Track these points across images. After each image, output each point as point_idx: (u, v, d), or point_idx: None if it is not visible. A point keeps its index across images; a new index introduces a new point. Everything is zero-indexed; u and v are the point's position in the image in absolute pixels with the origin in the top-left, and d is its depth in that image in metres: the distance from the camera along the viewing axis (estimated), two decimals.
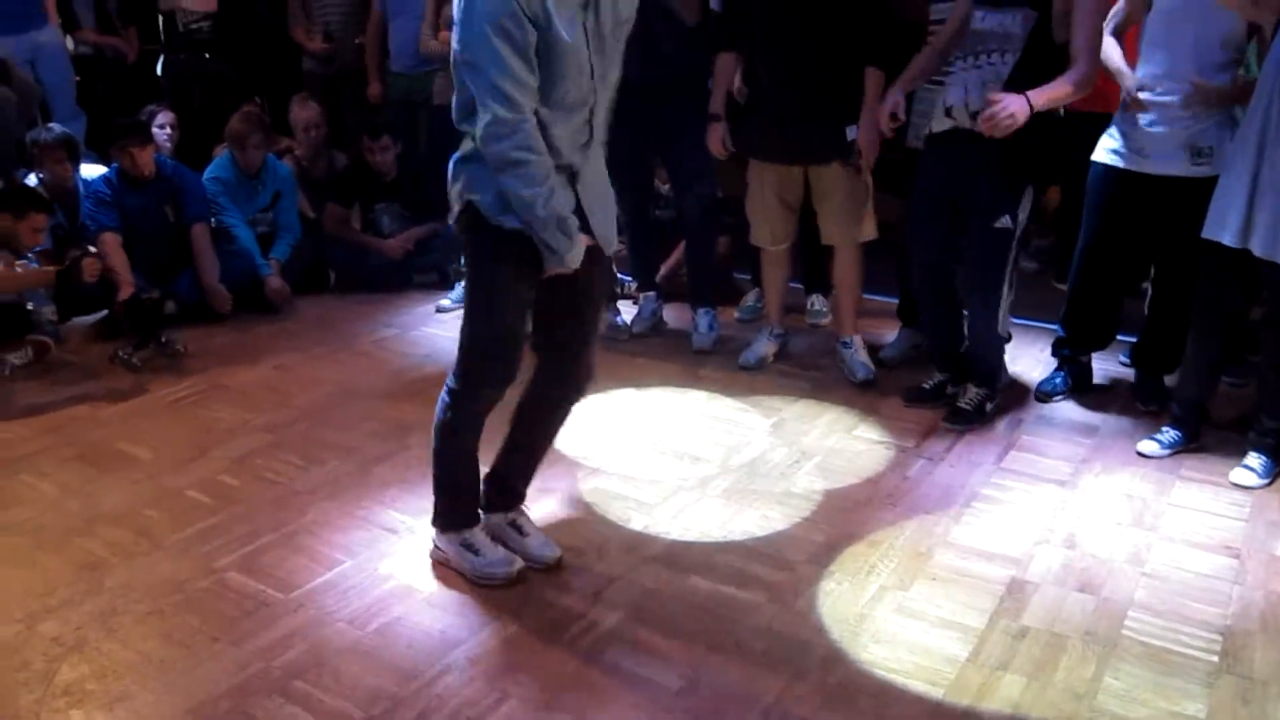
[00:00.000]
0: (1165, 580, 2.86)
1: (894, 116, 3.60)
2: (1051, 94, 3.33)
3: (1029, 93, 3.31)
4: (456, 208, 2.61)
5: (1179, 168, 3.52)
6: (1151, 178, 3.59)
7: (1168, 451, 3.54)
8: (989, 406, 3.81)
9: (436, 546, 2.93)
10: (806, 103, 3.87)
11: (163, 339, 4.48)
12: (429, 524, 2.94)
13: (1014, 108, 3.28)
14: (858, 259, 4.14)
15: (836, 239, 4.11)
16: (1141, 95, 3.54)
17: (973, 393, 3.81)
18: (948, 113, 3.56)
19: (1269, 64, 3.17)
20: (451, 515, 2.89)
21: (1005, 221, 3.53)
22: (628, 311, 4.82)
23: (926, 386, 3.98)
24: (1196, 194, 3.39)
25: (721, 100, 4.14)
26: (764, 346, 4.36)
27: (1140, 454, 3.55)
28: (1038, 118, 3.32)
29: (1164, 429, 3.60)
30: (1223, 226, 3.26)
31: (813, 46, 3.81)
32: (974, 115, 3.45)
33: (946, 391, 3.94)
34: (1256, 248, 3.20)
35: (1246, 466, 3.39)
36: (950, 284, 3.79)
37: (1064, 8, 3.35)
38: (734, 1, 4.06)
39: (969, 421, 3.76)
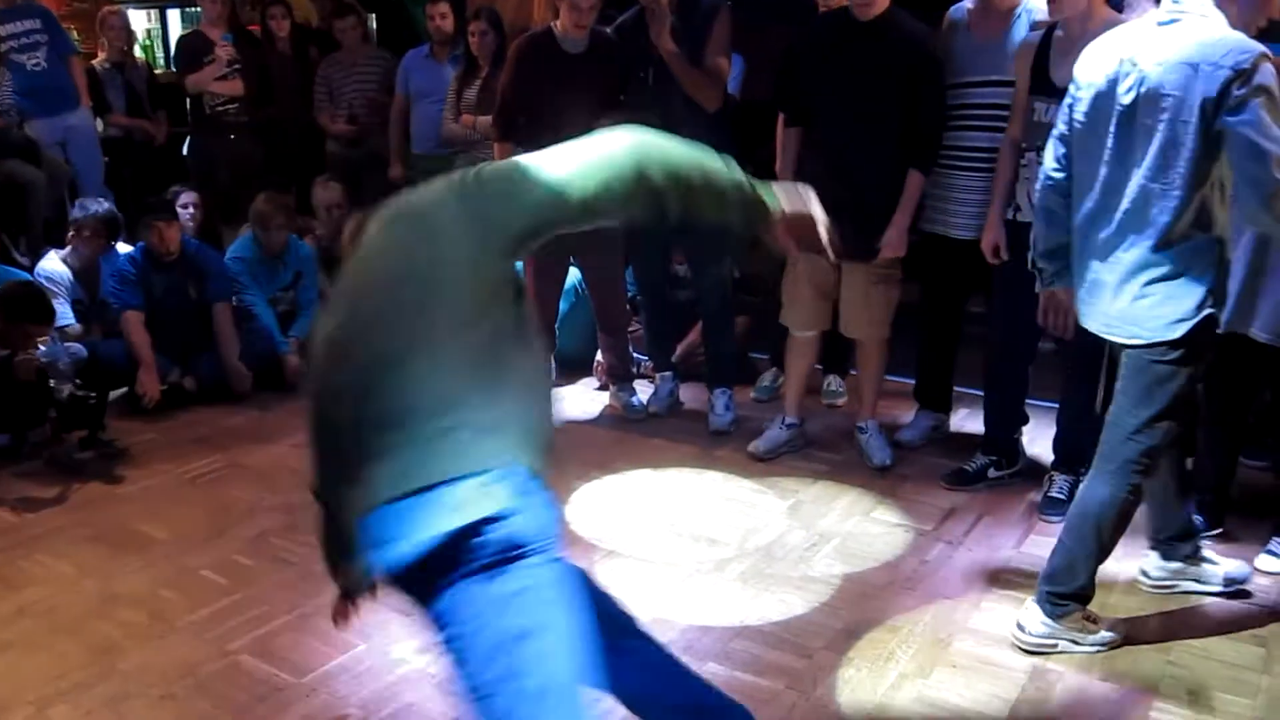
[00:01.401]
0: (1191, 669, 2.81)
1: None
2: None
3: None
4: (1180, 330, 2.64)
5: None
6: None
7: None
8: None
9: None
10: (850, 197, 3.76)
11: (101, 438, 4.30)
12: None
13: None
14: (883, 351, 4.13)
15: (860, 334, 4.13)
16: None
17: (1061, 481, 3.75)
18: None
19: None
20: None
21: None
22: (644, 391, 4.83)
23: (970, 469, 3.94)
24: None
25: (789, 172, 4.10)
26: (777, 435, 4.29)
27: None
28: None
29: None
30: None
31: (865, 142, 3.84)
32: None
33: (989, 475, 3.91)
34: (1260, 333, 3.23)
35: (1270, 552, 3.35)
36: (1027, 370, 3.85)
37: None
38: (798, 83, 4.04)
39: (1065, 512, 3.70)
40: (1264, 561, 3.33)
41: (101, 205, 5.11)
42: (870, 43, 3.78)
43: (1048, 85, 3.47)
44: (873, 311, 4.05)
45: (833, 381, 4.91)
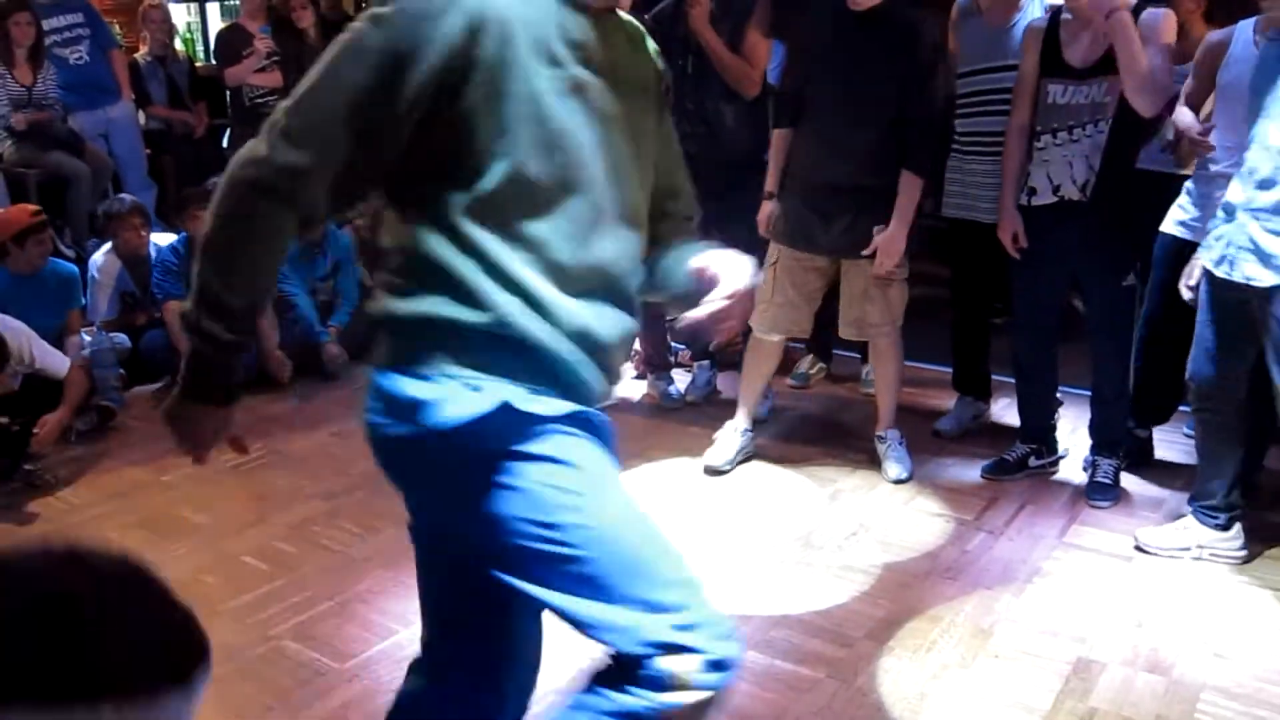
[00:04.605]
0: (1238, 661, 2.77)
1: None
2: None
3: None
4: None
5: None
6: None
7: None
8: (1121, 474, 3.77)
9: None
10: (848, 193, 3.67)
11: (27, 468, 3.96)
12: None
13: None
14: (895, 347, 3.90)
15: (859, 335, 3.96)
16: (1212, 169, 3.51)
17: (1106, 465, 3.72)
18: (1055, 190, 3.50)
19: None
20: None
21: (1130, 279, 3.56)
22: (681, 380, 4.82)
23: (1010, 459, 3.89)
24: None
25: (776, 178, 3.89)
26: (733, 445, 4.04)
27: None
28: (1139, 180, 3.54)
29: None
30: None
31: (859, 132, 3.65)
32: (1083, 187, 3.46)
33: (1030, 464, 3.87)
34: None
35: None
36: (1055, 354, 3.80)
37: None
38: (796, 80, 3.93)
39: (1114, 496, 3.69)
40: None
41: (125, 199, 5.19)
42: (866, 31, 3.59)
43: (1061, 67, 3.47)
44: (876, 307, 3.80)
45: (869, 371, 4.86)
